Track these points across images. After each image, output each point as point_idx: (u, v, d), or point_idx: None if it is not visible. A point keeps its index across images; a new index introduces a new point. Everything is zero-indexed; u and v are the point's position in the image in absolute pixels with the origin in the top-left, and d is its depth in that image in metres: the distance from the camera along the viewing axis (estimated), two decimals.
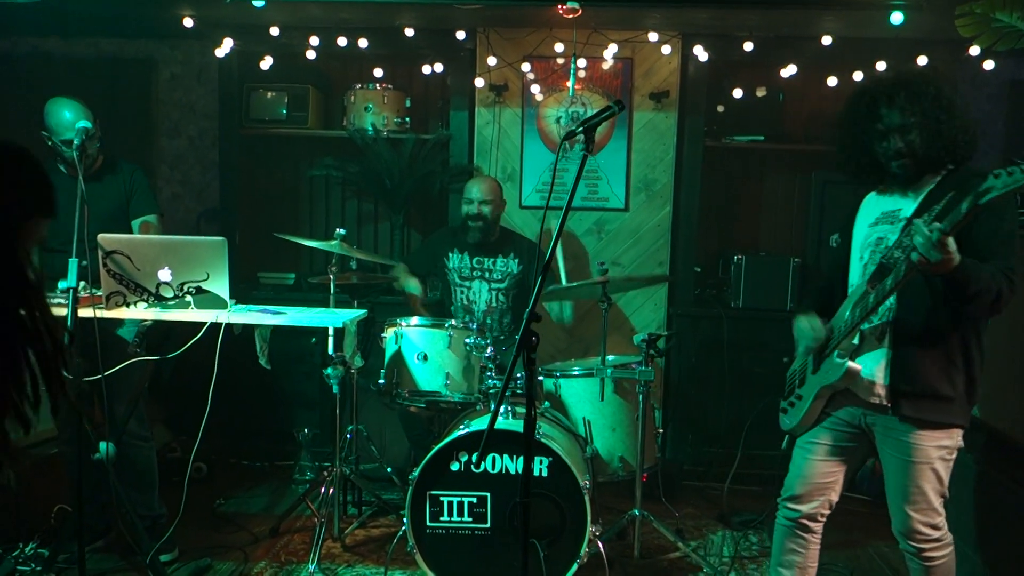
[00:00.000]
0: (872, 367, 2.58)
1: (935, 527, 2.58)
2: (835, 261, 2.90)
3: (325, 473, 3.93)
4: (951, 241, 2.23)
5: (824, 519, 2.85)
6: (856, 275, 2.73)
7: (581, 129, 2.40)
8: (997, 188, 2.13)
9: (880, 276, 2.52)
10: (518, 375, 3.44)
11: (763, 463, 4.32)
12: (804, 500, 2.82)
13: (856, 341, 2.60)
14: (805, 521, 2.83)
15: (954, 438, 2.55)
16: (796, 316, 2.84)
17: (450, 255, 4.48)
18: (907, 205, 2.60)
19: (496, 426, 3.32)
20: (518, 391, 3.65)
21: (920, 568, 2.62)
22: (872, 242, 2.67)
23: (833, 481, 2.79)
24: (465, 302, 4.44)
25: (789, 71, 4.68)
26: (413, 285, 4.42)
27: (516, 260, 4.42)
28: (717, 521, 4.27)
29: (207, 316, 3.12)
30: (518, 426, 3.28)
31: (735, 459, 4.22)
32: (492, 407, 3.56)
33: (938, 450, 2.53)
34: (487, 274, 4.42)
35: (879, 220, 2.69)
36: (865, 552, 3.94)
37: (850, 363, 2.57)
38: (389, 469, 4.41)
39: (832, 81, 4.80)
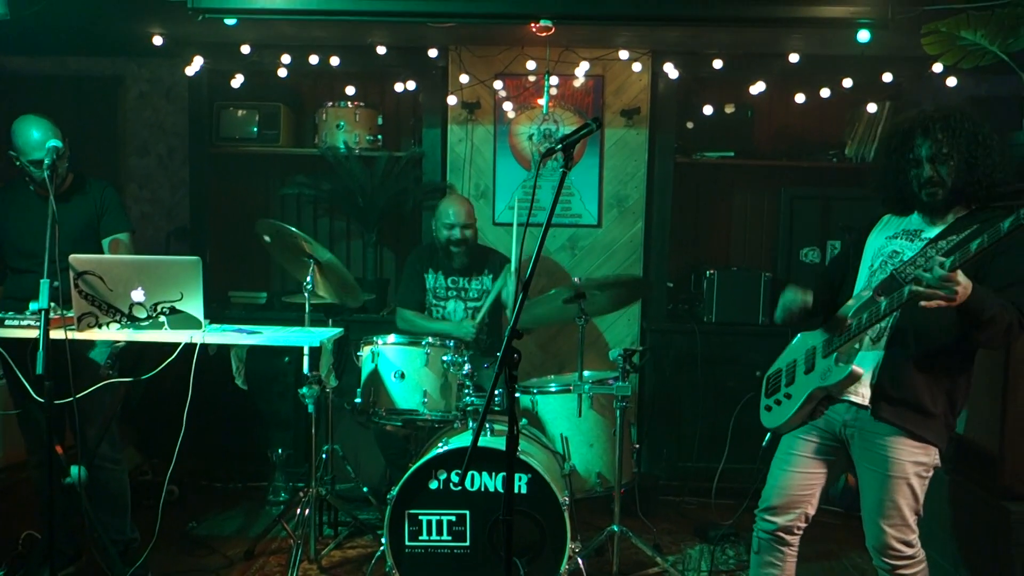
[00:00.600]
0: (863, 366, 2.60)
1: (908, 544, 2.60)
2: (835, 265, 2.93)
3: (301, 494, 3.89)
4: (960, 275, 2.25)
5: (800, 532, 2.87)
6: (862, 282, 2.74)
7: (560, 146, 2.42)
8: (1006, 229, 2.16)
9: (890, 287, 2.54)
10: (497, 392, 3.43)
11: (739, 477, 4.34)
12: (780, 512, 2.83)
13: (858, 346, 2.62)
14: (781, 534, 2.85)
15: (931, 456, 2.57)
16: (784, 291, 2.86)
17: (426, 276, 4.47)
18: (930, 228, 2.63)
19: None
20: (495, 408, 3.64)
21: None
22: (887, 253, 2.69)
23: (810, 494, 2.81)
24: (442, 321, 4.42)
25: (758, 88, 4.75)
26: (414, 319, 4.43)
27: (491, 276, 4.42)
28: (694, 536, 4.28)
29: (182, 336, 3.08)
30: (497, 443, 3.28)
31: (713, 472, 4.22)
32: (471, 424, 3.55)
33: (915, 466, 2.55)
34: (463, 293, 4.42)
35: (898, 235, 2.70)
36: (840, 564, 3.97)
37: (854, 367, 2.57)
38: (365, 489, 4.37)
39: (800, 98, 4.88)
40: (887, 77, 4.68)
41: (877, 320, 2.52)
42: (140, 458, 4.70)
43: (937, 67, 4.22)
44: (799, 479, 2.80)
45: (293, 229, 3.82)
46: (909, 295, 2.36)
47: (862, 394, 2.61)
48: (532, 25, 3.98)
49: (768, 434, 2.98)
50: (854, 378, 2.58)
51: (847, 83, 4.72)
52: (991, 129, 2.58)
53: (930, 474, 2.60)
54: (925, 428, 2.54)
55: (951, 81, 4.59)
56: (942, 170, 2.53)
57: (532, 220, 4.55)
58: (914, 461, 2.55)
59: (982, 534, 3.06)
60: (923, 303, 2.29)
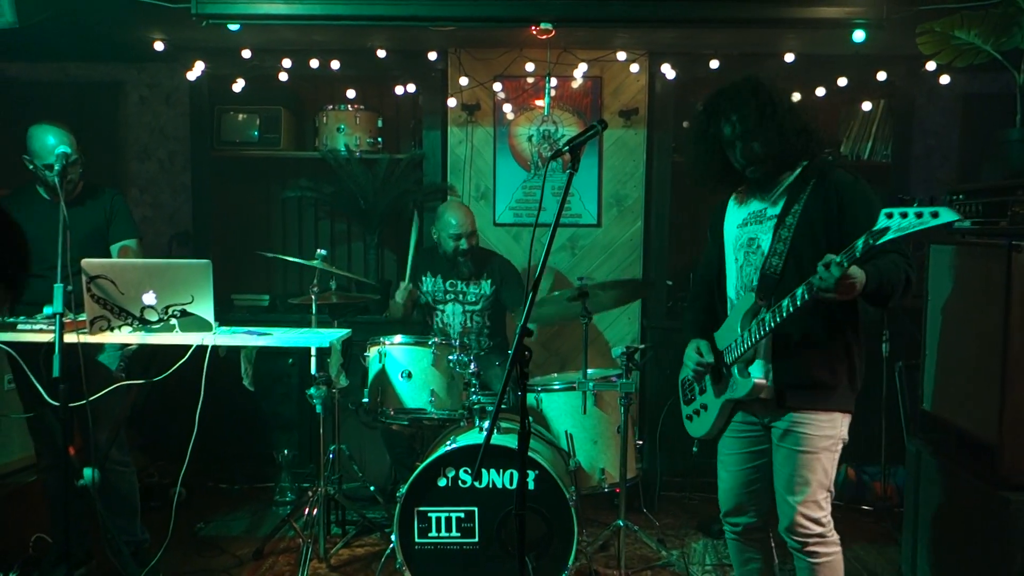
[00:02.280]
0: (759, 371, 2.67)
1: (817, 522, 2.63)
2: (709, 266, 2.96)
3: (309, 493, 3.93)
4: (854, 270, 2.30)
5: (767, 527, 2.90)
6: (733, 278, 2.79)
7: (567, 148, 2.47)
8: (892, 231, 2.18)
9: (767, 288, 2.60)
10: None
11: None
12: (737, 513, 2.89)
13: (754, 353, 2.67)
14: (748, 533, 2.90)
15: (838, 428, 2.62)
16: (687, 341, 2.90)
17: (424, 279, 4.52)
18: (771, 203, 2.68)
19: (480, 440, 3.35)
20: (502, 406, 3.68)
21: (806, 566, 2.66)
22: (744, 243, 2.74)
23: (758, 489, 2.84)
24: (440, 324, 4.47)
25: None
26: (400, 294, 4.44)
27: (489, 281, 4.46)
28: (697, 530, 4.34)
29: (192, 339, 3.12)
30: (504, 440, 3.33)
31: (714, 467, 4.26)
32: (477, 423, 3.60)
33: (824, 439, 2.60)
34: (461, 296, 4.46)
35: (747, 220, 2.75)
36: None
37: (756, 380, 2.63)
38: (372, 488, 4.41)
39: (795, 97, 4.91)
40: (881, 76, 4.75)
41: (780, 323, 2.52)
42: (146, 461, 4.72)
43: (931, 65, 4.29)
44: (740, 477, 2.85)
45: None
46: (809, 296, 2.39)
47: (766, 392, 2.66)
48: (533, 28, 4.03)
49: (696, 442, 3.02)
50: (758, 389, 2.64)
51: (842, 82, 4.79)
52: (780, 92, 2.62)
53: (839, 448, 2.65)
54: (829, 399, 2.61)
55: (944, 79, 4.66)
56: (755, 146, 2.59)
57: (531, 221, 4.62)
58: (823, 435, 2.60)
59: (982, 525, 3.11)
60: (824, 295, 2.33)
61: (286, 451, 4.68)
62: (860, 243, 2.25)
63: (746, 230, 2.74)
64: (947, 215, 2.14)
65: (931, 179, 5.14)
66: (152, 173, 5.41)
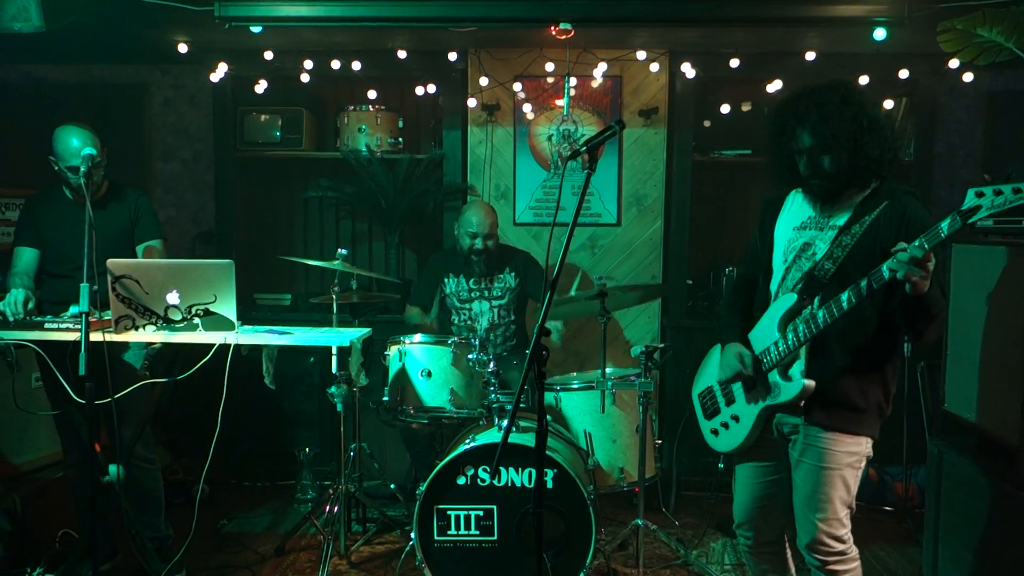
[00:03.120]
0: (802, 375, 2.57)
1: (839, 539, 2.57)
2: (753, 264, 2.82)
3: (330, 491, 3.97)
4: (933, 260, 2.20)
5: (781, 540, 2.87)
6: (775, 280, 2.68)
7: (585, 148, 2.47)
8: (985, 208, 2.08)
9: (812, 289, 2.51)
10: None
11: None
12: (750, 526, 2.84)
13: (799, 357, 2.55)
14: (761, 545, 2.86)
15: (863, 446, 2.56)
16: (724, 344, 2.78)
17: (446, 280, 4.53)
18: (838, 216, 2.56)
19: (498, 439, 3.39)
20: (521, 405, 3.70)
21: None
22: (798, 247, 2.62)
23: (773, 504, 2.79)
24: (468, 322, 4.48)
25: (775, 86, 4.78)
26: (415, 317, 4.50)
27: (513, 274, 4.48)
28: (716, 530, 4.33)
29: (215, 338, 3.16)
30: (522, 439, 3.35)
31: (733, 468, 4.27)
32: (496, 421, 3.61)
33: (847, 456, 2.54)
34: (486, 292, 4.48)
35: (806, 224, 2.64)
36: (863, 557, 3.99)
37: (806, 382, 2.51)
38: (392, 486, 4.45)
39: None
40: (903, 73, 4.71)
41: (822, 326, 2.44)
42: (170, 458, 4.79)
43: (953, 63, 4.26)
44: (755, 492, 2.80)
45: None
46: (876, 286, 2.29)
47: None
48: (552, 28, 4.05)
49: (722, 458, 2.93)
50: (807, 392, 2.52)
51: (863, 80, 4.75)
52: (870, 104, 2.50)
53: (863, 465, 2.59)
54: (858, 423, 2.54)
55: (967, 77, 4.62)
56: (824, 160, 2.48)
57: (553, 220, 4.64)
58: (847, 452, 2.54)
59: (1002, 526, 3.09)
60: (903, 276, 2.19)
61: (307, 449, 4.72)
62: (946, 223, 2.13)
63: (803, 233, 2.63)
64: None
65: (954, 177, 5.10)
66: (176, 173, 5.47)
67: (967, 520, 3.34)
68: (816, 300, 2.51)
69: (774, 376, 2.60)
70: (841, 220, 2.55)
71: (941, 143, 5.09)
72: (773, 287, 2.69)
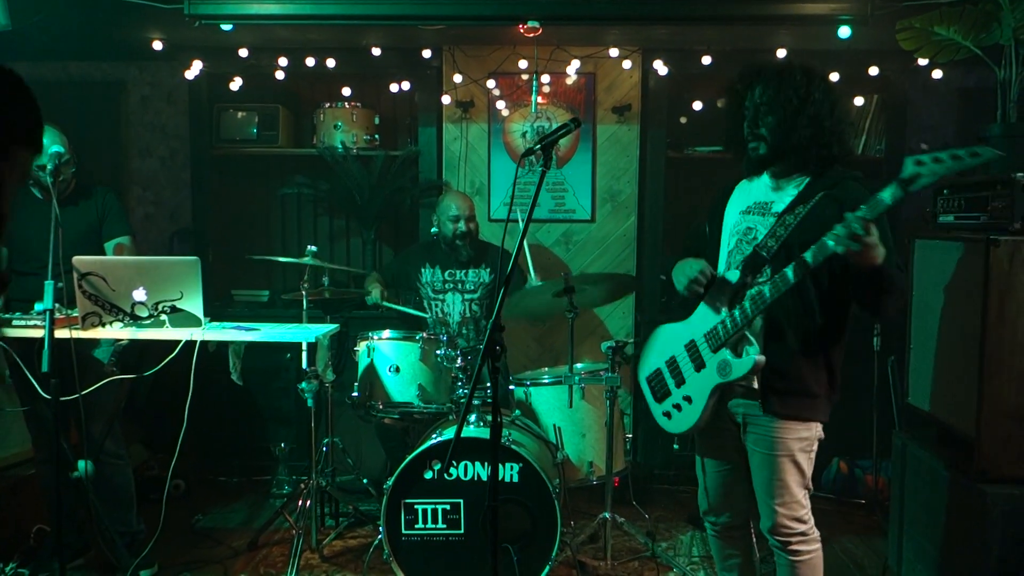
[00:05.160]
0: (754, 352, 2.58)
1: (800, 520, 2.63)
2: (697, 240, 2.87)
3: (302, 486, 4.00)
4: (875, 230, 2.23)
5: (747, 524, 2.92)
6: (722, 261, 2.73)
7: (539, 146, 2.50)
8: (925, 176, 2.12)
9: (755, 266, 2.54)
10: (488, 384, 3.52)
11: None
12: (716, 512, 2.89)
13: (748, 332, 2.57)
14: (727, 530, 2.91)
15: (813, 430, 2.61)
16: (679, 262, 2.77)
17: (422, 270, 4.57)
18: (780, 199, 2.60)
19: (465, 434, 3.42)
20: (488, 400, 3.73)
21: (787, 564, 2.66)
22: (741, 231, 2.67)
23: (735, 488, 2.82)
24: (440, 315, 4.52)
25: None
26: (374, 296, 4.46)
27: (488, 270, 4.51)
28: (687, 523, 4.37)
29: (182, 334, 3.19)
30: (485, 434, 3.38)
31: None
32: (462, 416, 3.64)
33: (798, 442, 2.59)
34: (459, 285, 4.51)
35: (751, 209, 2.68)
36: (830, 549, 4.03)
37: (757, 357, 2.52)
38: (365, 480, 4.48)
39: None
40: (873, 71, 4.75)
41: (776, 295, 2.45)
42: (147, 454, 4.81)
43: (923, 61, 4.29)
44: (717, 479, 2.85)
45: None
46: (822, 258, 2.33)
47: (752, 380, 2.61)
48: (520, 26, 4.07)
49: (675, 439, 2.95)
50: (758, 367, 2.53)
51: (834, 77, 4.77)
52: (829, 90, 2.52)
53: (814, 447, 2.63)
54: (811, 410, 2.59)
55: (937, 74, 4.65)
56: (764, 123, 2.53)
57: (531, 217, 4.65)
58: (797, 438, 2.59)
59: (961, 517, 3.13)
60: (843, 248, 2.24)
61: (283, 444, 4.75)
62: (887, 192, 2.17)
63: (747, 218, 2.68)
64: (988, 152, 2.03)
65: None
66: (154, 171, 5.48)
67: (929, 512, 3.38)
68: (764, 277, 2.54)
69: (724, 354, 2.60)
70: (782, 206, 2.59)
71: (913, 140, 5.12)
72: (720, 269, 2.73)
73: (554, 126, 4.96)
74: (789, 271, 2.42)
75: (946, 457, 3.29)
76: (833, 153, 2.55)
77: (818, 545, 2.68)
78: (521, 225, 2.57)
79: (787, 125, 2.50)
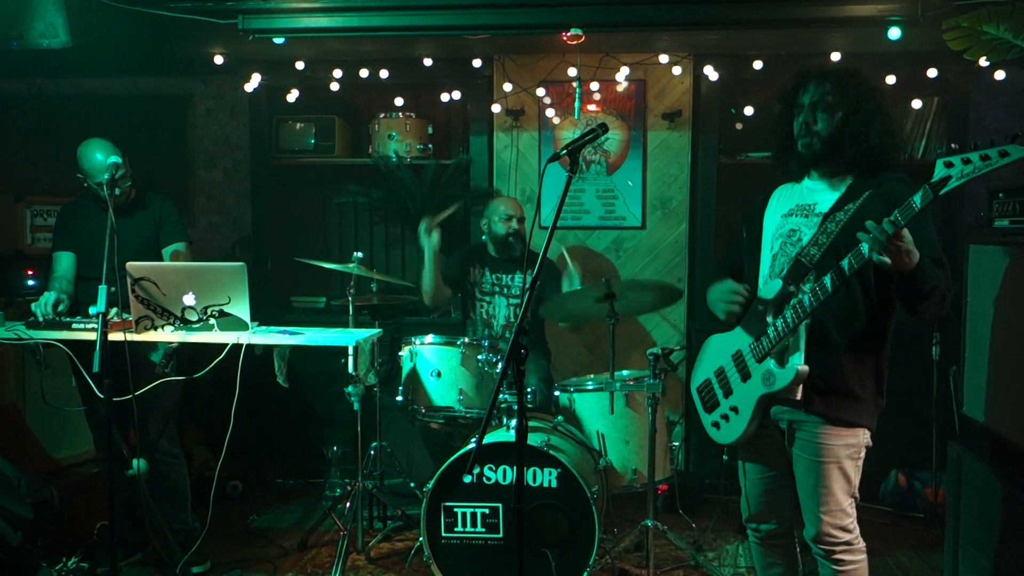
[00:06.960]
0: (798, 361, 2.54)
1: (845, 529, 2.58)
2: (733, 254, 2.89)
3: (349, 488, 4.07)
4: (907, 235, 2.21)
5: (790, 532, 2.87)
6: (766, 266, 2.70)
7: (565, 152, 2.53)
8: (955, 179, 2.10)
9: (798, 275, 2.52)
10: (528, 390, 3.55)
11: None
12: (759, 519, 2.86)
13: (791, 343, 2.54)
14: (770, 538, 2.87)
15: (860, 437, 2.57)
16: (709, 289, 2.81)
17: (471, 270, 4.63)
18: (823, 201, 2.59)
19: (502, 439, 3.46)
20: (529, 406, 3.75)
21: (831, 573, 2.60)
22: (784, 233, 2.65)
23: (779, 495, 2.79)
24: (485, 316, 4.56)
25: None
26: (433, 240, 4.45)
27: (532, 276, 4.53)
28: (736, 533, 4.31)
29: (229, 338, 3.30)
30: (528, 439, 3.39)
31: None
32: (506, 421, 3.66)
33: (845, 448, 2.55)
34: (506, 290, 4.55)
35: (793, 212, 2.67)
36: (884, 563, 3.94)
37: (799, 367, 2.49)
38: (412, 484, 4.53)
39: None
40: (932, 73, 4.63)
41: (816, 304, 2.44)
42: (209, 454, 4.96)
43: (984, 61, 4.16)
44: (760, 486, 2.81)
45: None
46: (857, 265, 2.31)
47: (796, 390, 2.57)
48: (564, 34, 4.08)
49: (725, 449, 2.91)
50: (801, 378, 2.51)
51: (891, 80, 4.68)
52: (883, 99, 2.54)
53: (862, 455, 2.58)
54: (857, 414, 2.54)
55: (999, 74, 4.51)
56: (821, 118, 2.52)
57: (575, 224, 4.74)
58: (844, 444, 2.54)
59: (1014, 531, 3.02)
60: (878, 258, 2.22)
61: (336, 447, 4.84)
62: (918, 196, 2.15)
63: (789, 220, 2.65)
64: (1017, 152, 2.04)
65: (992, 176, 4.94)
66: (218, 181, 5.67)
67: (983, 525, 3.27)
68: (806, 286, 2.51)
69: (769, 364, 2.59)
70: (826, 208, 2.57)
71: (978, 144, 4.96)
72: (763, 276, 2.71)
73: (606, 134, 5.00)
74: (827, 280, 2.41)
75: (1000, 469, 3.18)
76: (889, 154, 2.55)
77: (863, 556, 2.63)
78: (550, 226, 2.59)
79: (849, 122, 2.50)
